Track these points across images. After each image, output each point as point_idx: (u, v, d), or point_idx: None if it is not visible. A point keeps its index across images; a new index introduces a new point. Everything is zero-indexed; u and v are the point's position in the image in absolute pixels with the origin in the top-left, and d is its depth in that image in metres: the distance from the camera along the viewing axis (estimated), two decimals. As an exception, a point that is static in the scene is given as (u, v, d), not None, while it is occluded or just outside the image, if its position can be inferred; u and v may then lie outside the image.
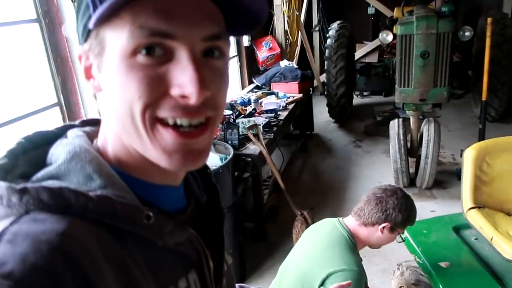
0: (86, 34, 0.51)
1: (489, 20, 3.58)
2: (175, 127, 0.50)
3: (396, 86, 3.91)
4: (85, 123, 0.62)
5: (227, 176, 2.67)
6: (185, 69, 0.47)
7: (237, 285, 0.88)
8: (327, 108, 6.13)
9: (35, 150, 0.54)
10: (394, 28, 4.74)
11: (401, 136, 3.89)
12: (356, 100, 7.32)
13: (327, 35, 5.96)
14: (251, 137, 3.20)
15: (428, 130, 3.83)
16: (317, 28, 7.92)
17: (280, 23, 5.61)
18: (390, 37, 4.96)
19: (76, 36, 0.55)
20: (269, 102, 4.23)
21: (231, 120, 3.50)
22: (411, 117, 4.04)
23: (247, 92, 4.78)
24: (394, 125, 3.97)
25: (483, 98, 3.78)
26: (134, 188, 0.53)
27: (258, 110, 4.03)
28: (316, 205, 3.83)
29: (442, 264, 2.05)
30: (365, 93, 7.79)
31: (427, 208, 3.75)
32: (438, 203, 3.86)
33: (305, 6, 6.86)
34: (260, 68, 5.51)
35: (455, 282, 1.96)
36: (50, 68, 2.49)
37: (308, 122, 5.61)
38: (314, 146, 5.53)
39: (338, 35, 5.73)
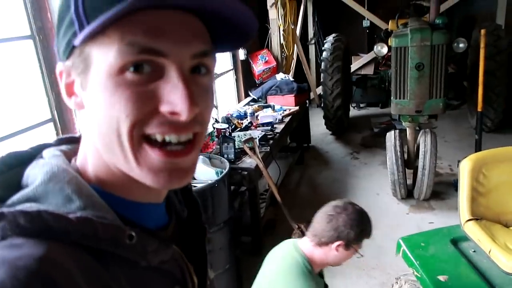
0: (69, 51, 0.50)
1: (482, 31, 3.61)
2: (163, 145, 0.49)
3: (392, 98, 3.93)
4: (61, 141, 0.61)
5: (223, 190, 2.65)
6: (176, 86, 0.47)
7: None
8: (323, 120, 6.15)
9: (8, 171, 0.53)
10: (389, 41, 4.77)
11: (398, 148, 3.90)
12: (353, 112, 7.34)
13: (323, 48, 6.00)
14: (247, 150, 3.19)
15: (424, 141, 3.83)
16: (313, 41, 7.98)
17: (275, 37, 5.65)
18: (385, 50, 5.01)
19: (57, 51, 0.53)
20: (265, 115, 4.23)
21: (227, 134, 3.49)
22: (407, 129, 4.05)
23: (244, 106, 4.79)
24: (391, 137, 3.98)
25: (479, 109, 3.79)
26: (115, 207, 0.52)
27: (254, 124, 4.03)
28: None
29: (441, 278, 2.03)
30: (361, 105, 7.82)
31: (425, 220, 3.73)
32: (437, 215, 3.84)
33: (301, 20, 6.93)
34: (256, 81, 5.53)
35: (454, 296, 1.94)
36: (44, 84, 2.49)
37: (305, 134, 5.60)
38: (311, 158, 5.52)
39: (333, 48, 5.77)
